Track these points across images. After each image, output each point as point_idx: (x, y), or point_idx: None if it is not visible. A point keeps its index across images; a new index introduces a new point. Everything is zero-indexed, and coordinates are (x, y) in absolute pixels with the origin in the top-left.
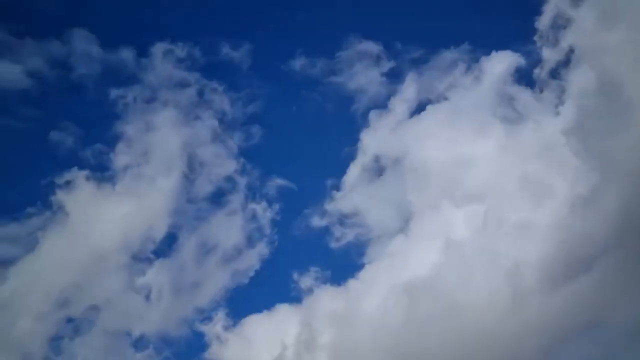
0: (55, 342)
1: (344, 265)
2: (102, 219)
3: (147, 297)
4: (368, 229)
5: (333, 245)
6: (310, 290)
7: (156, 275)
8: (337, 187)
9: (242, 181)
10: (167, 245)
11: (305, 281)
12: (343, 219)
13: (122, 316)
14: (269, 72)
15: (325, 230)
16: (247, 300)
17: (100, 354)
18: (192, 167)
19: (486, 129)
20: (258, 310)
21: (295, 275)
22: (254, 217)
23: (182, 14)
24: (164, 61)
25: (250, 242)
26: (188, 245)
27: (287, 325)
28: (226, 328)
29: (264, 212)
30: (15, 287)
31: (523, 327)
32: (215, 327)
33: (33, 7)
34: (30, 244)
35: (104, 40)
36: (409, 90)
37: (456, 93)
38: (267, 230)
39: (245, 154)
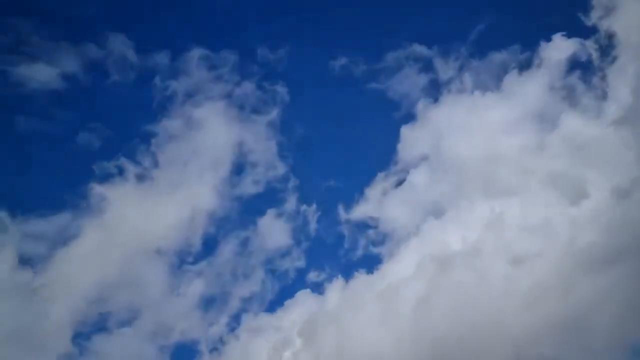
0: (85, 338)
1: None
2: (140, 218)
3: (185, 297)
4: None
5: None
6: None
7: (196, 275)
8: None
9: (285, 182)
10: (207, 246)
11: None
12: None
13: (160, 315)
14: (308, 74)
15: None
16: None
17: (134, 352)
18: (234, 167)
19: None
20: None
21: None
22: (298, 217)
23: (219, 18)
24: (199, 65)
25: (294, 242)
26: (229, 246)
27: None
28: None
29: (307, 213)
30: (52, 282)
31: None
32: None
33: (71, 11)
34: (67, 240)
35: (140, 44)
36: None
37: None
38: (310, 229)
39: (286, 155)
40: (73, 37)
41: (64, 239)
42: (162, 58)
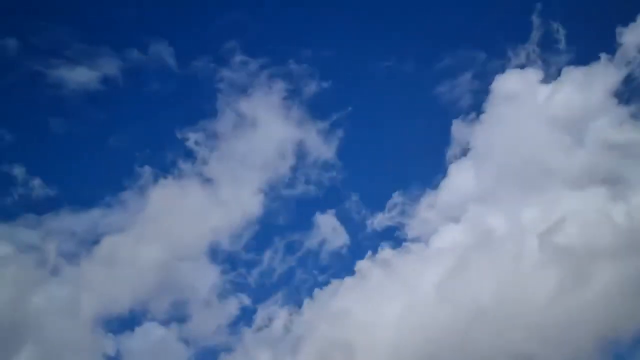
0: (118, 335)
1: None
2: (183, 217)
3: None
4: None
5: None
6: None
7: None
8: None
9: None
10: (253, 248)
11: None
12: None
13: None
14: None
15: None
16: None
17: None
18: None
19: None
20: None
21: None
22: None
23: (262, 23)
24: (240, 69)
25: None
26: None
27: None
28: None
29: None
30: (89, 280)
31: None
32: None
33: (114, 16)
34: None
35: (181, 50)
36: None
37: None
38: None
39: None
40: (115, 42)
41: (104, 238)
42: (205, 62)
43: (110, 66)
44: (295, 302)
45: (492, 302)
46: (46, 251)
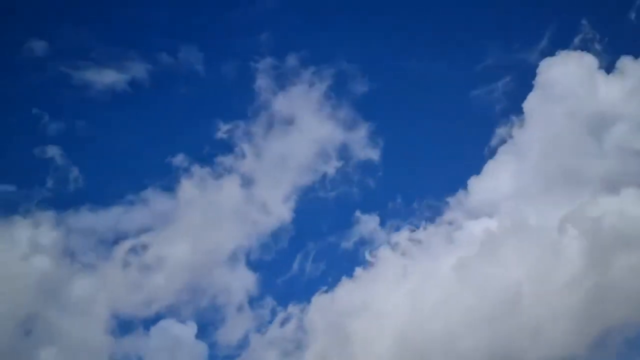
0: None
1: None
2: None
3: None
4: None
5: None
6: None
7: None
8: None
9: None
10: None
11: None
12: None
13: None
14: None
15: None
16: None
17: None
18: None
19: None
20: None
21: None
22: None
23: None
24: (269, 74)
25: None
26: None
27: None
28: None
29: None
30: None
31: None
32: None
33: (145, 21)
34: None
35: (209, 54)
36: None
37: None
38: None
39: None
40: (144, 46)
41: (135, 237)
42: (230, 68)
43: (139, 69)
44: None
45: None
46: (71, 249)
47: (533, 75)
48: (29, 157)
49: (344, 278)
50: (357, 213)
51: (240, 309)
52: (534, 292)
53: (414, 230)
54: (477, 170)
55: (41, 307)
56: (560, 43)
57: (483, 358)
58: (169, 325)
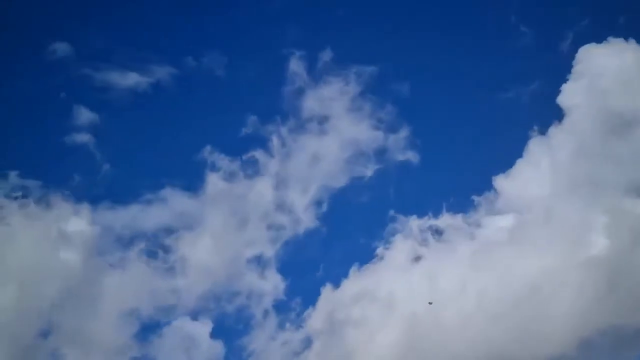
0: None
1: None
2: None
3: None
4: None
5: None
6: None
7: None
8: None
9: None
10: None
11: None
12: None
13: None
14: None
15: None
16: None
17: None
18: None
19: None
20: None
21: None
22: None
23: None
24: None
25: None
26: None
27: None
28: None
29: None
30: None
31: None
32: None
33: (170, 25)
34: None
35: (232, 58)
36: None
37: None
38: None
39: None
40: (168, 49)
41: (161, 235)
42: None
43: (162, 72)
44: None
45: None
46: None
47: (569, 68)
48: (56, 154)
49: (370, 275)
50: (392, 212)
51: (266, 311)
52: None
53: (440, 231)
54: (507, 167)
55: (65, 300)
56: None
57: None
58: (188, 325)
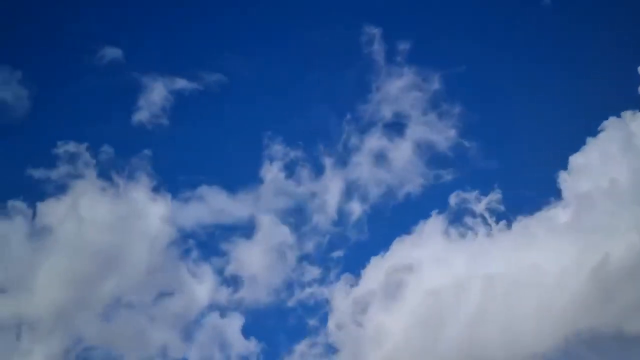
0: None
1: None
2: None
3: None
4: None
5: None
6: None
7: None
8: None
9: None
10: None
11: None
12: None
13: None
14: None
15: None
16: None
17: None
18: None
19: None
20: None
21: None
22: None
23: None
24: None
25: None
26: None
27: None
28: None
29: None
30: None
31: None
32: None
33: (217, 32)
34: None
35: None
36: None
37: None
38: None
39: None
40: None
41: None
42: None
43: (211, 78)
44: None
45: None
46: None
47: None
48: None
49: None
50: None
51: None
52: None
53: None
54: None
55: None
56: None
57: None
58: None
